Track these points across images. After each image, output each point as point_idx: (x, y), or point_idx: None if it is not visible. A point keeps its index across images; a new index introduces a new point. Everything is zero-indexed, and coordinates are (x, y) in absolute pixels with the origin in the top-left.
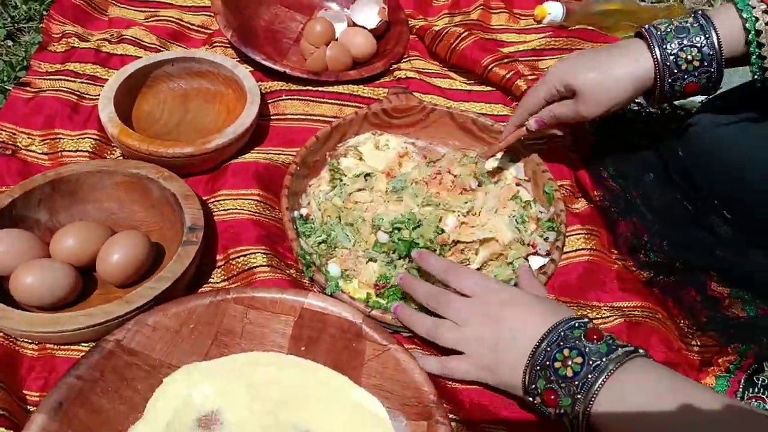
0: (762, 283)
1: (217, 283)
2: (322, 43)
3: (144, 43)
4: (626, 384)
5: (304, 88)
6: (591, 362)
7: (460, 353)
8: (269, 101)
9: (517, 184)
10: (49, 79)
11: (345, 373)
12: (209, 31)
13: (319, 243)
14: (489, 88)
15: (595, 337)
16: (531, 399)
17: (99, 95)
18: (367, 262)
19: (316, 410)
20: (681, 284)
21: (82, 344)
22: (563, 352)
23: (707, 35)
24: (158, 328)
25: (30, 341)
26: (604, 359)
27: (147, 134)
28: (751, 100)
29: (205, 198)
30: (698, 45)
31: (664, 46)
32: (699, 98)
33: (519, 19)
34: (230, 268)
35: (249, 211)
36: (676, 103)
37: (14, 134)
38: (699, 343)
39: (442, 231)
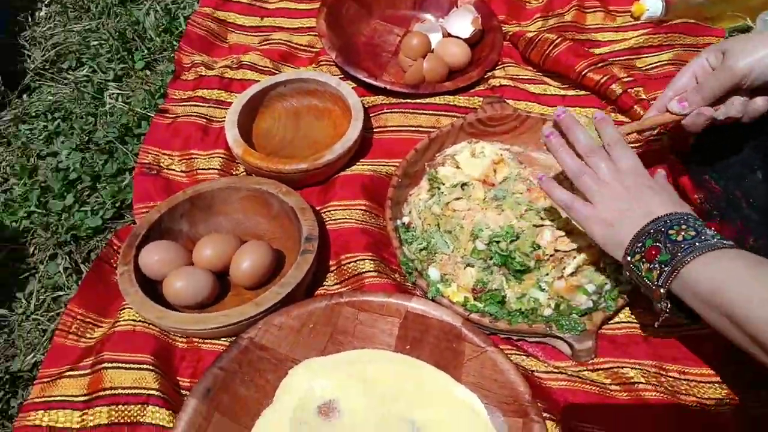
0: None
1: (331, 286)
2: (419, 56)
3: (259, 67)
4: (724, 258)
5: (404, 101)
6: (702, 237)
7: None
8: (371, 114)
9: None
10: (183, 105)
11: (446, 371)
12: (315, 50)
13: (420, 250)
14: (584, 93)
15: (713, 228)
16: (629, 257)
17: (224, 118)
18: (465, 268)
19: (421, 404)
20: None
21: (222, 339)
22: (681, 225)
23: None
24: (283, 328)
25: (180, 336)
26: (714, 239)
27: (266, 150)
28: None
29: (318, 208)
30: None
31: None
32: None
33: (615, 17)
34: (342, 273)
35: (357, 220)
36: None
37: (158, 156)
38: None
39: (539, 247)
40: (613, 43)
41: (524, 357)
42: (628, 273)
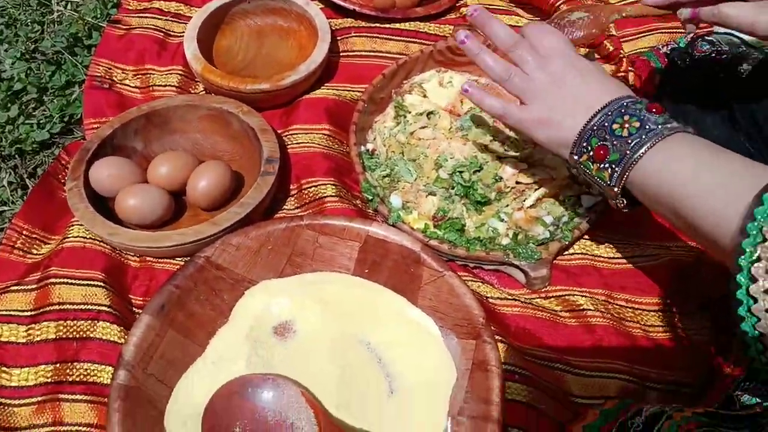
0: None
1: (291, 210)
2: None
3: None
4: (673, 149)
5: (373, 25)
6: (647, 127)
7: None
8: (339, 38)
9: None
10: (138, 17)
11: (404, 295)
12: None
13: (383, 176)
14: None
15: (654, 110)
16: (577, 157)
17: (183, 32)
18: (426, 196)
19: (377, 325)
20: None
21: (176, 259)
22: (623, 117)
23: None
24: (241, 248)
25: (133, 254)
26: (659, 126)
27: (226, 69)
28: None
29: (279, 131)
30: None
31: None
32: None
33: None
34: (302, 197)
35: (319, 144)
36: (751, 40)
37: (110, 69)
38: None
39: (500, 179)
40: None
41: (480, 283)
42: (576, 171)
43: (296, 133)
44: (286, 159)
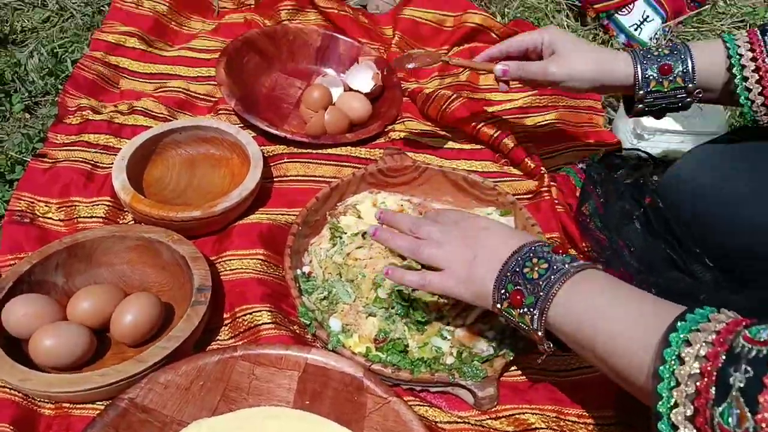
0: None
1: (225, 340)
2: (320, 108)
3: (154, 113)
4: (582, 286)
5: (305, 151)
6: (555, 267)
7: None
8: (272, 164)
9: None
10: (65, 150)
11: (348, 426)
12: (214, 99)
13: (321, 299)
14: (478, 146)
15: (561, 251)
16: (499, 305)
17: (112, 164)
18: (366, 317)
19: None
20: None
21: (97, 403)
22: (532, 261)
23: (684, 61)
24: (169, 386)
25: (47, 401)
26: (566, 265)
27: (157, 198)
28: (732, 153)
29: (212, 258)
30: (676, 69)
31: (644, 62)
32: (681, 147)
33: None
34: (237, 326)
35: (254, 270)
36: (657, 153)
37: (32, 203)
38: None
39: (439, 296)
40: (503, 102)
41: (428, 407)
42: (503, 320)
43: (229, 260)
44: (219, 287)
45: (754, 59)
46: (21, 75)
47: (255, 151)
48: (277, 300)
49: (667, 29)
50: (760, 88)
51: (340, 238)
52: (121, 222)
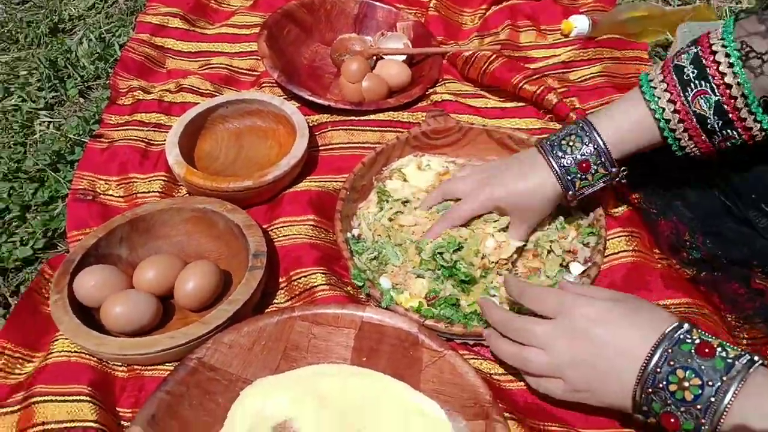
0: None
1: (282, 303)
2: (359, 80)
3: (200, 90)
4: (754, 402)
5: (348, 118)
6: (711, 383)
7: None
8: (317, 133)
9: None
10: (120, 130)
11: (404, 380)
12: (257, 74)
13: (371, 259)
14: (521, 104)
15: (707, 350)
16: (645, 418)
17: (164, 141)
18: (416, 278)
19: (379, 416)
20: (725, 279)
21: (167, 365)
22: (677, 374)
23: (593, 143)
24: (233, 346)
25: (120, 364)
26: (724, 378)
27: (208, 172)
28: None
29: (265, 226)
30: (594, 163)
31: (560, 161)
32: None
33: (546, 35)
34: (293, 289)
35: (306, 235)
36: None
37: (93, 181)
38: (747, 336)
39: (483, 255)
40: (546, 59)
41: (482, 361)
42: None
43: (282, 227)
44: (274, 253)
45: (681, 121)
46: (72, 61)
47: (300, 120)
48: (329, 263)
49: None
50: (695, 144)
51: (387, 201)
52: (176, 195)
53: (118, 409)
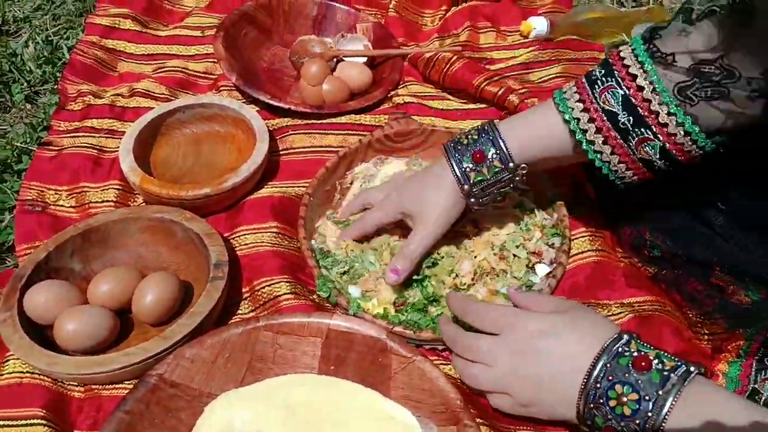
0: (758, 272)
1: (245, 314)
2: (319, 83)
3: (155, 94)
4: (690, 412)
5: (309, 121)
6: (647, 397)
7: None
8: (277, 137)
9: (520, 194)
10: (70, 137)
11: (374, 388)
12: (214, 77)
13: (342, 274)
14: (483, 106)
15: (643, 363)
16: (590, 431)
17: (118, 147)
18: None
19: (350, 425)
20: (685, 276)
21: (126, 383)
22: (615, 389)
23: (495, 142)
24: (196, 360)
25: (77, 383)
26: (660, 392)
27: (165, 179)
28: None
29: (226, 234)
30: (488, 153)
31: (457, 156)
32: None
33: (506, 36)
34: (257, 299)
35: (269, 243)
36: None
37: (42, 192)
38: (708, 331)
39: (456, 275)
40: (506, 60)
41: (452, 366)
42: None
43: (243, 234)
44: (236, 262)
45: (591, 120)
46: (18, 65)
47: (260, 125)
48: (294, 271)
49: None
50: (610, 148)
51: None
52: (132, 204)
53: (75, 431)
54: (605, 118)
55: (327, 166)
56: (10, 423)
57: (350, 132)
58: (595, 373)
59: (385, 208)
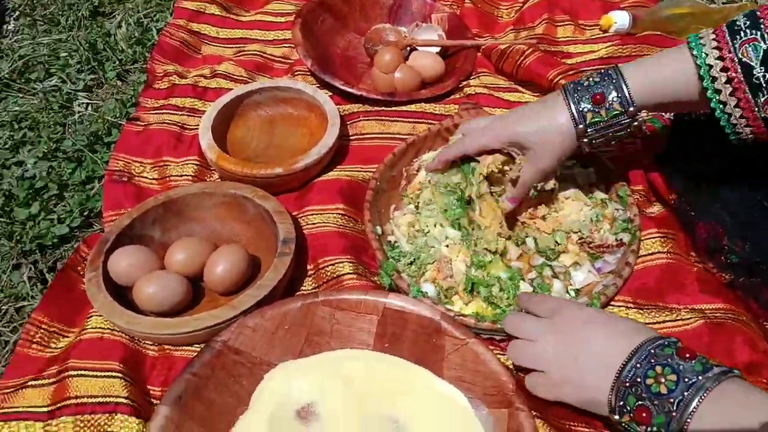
0: None
1: (309, 290)
2: (392, 71)
3: (234, 76)
4: (726, 403)
5: (380, 108)
6: (687, 379)
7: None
8: (348, 123)
9: (590, 185)
10: (156, 114)
11: (427, 367)
12: (290, 61)
13: (409, 264)
14: None
15: (687, 355)
16: (618, 417)
17: (198, 125)
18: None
19: (403, 402)
20: (763, 285)
21: (195, 346)
22: (655, 369)
23: (618, 86)
24: (257, 330)
25: (151, 343)
26: (700, 377)
27: (240, 158)
28: None
29: (294, 213)
30: (609, 96)
31: (576, 96)
32: None
33: (585, 30)
34: (320, 277)
35: (335, 224)
36: None
37: (128, 164)
38: None
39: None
40: (583, 54)
41: (506, 356)
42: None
43: (311, 214)
44: (302, 240)
45: (724, 69)
46: (111, 45)
47: (332, 109)
48: (357, 252)
49: None
50: (736, 100)
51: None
52: (208, 180)
53: (148, 386)
54: (740, 69)
55: (394, 152)
56: (90, 373)
57: (420, 120)
58: (636, 356)
59: (495, 131)
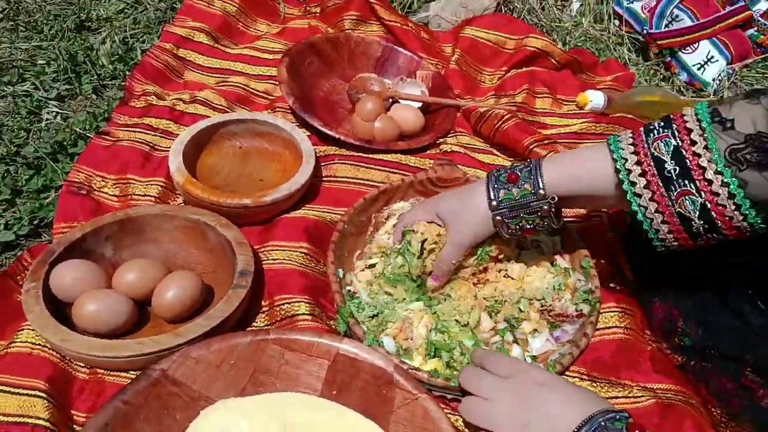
0: None
1: (261, 327)
2: (372, 119)
3: (213, 104)
4: None
5: (356, 154)
6: None
7: None
8: (323, 164)
9: (555, 254)
10: (127, 131)
11: (374, 420)
12: (272, 98)
13: (370, 318)
14: None
15: (637, 431)
16: None
17: (170, 147)
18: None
19: None
20: (714, 371)
21: (130, 372)
22: None
23: (531, 170)
24: (201, 362)
25: (83, 365)
26: None
27: (208, 185)
28: None
29: (256, 247)
30: (522, 176)
31: (496, 184)
32: None
33: (562, 104)
34: (274, 314)
35: (296, 262)
36: None
37: (90, 177)
38: None
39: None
40: (558, 127)
41: (458, 417)
42: None
43: (273, 250)
44: (260, 274)
45: (638, 162)
46: (92, 58)
47: (308, 148)
48: (316, 294)
49: (731, 71)
50: (650, 193)
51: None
52: (172, 203)
53: (72, 411)
54: (652, 163)
55: (366, 197)
56: (11, 390)
57: (395, 170)
58: (587, 425)
59: (425, 205)
